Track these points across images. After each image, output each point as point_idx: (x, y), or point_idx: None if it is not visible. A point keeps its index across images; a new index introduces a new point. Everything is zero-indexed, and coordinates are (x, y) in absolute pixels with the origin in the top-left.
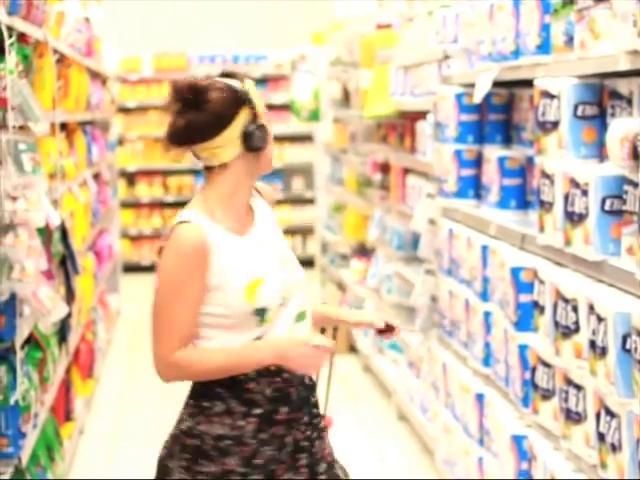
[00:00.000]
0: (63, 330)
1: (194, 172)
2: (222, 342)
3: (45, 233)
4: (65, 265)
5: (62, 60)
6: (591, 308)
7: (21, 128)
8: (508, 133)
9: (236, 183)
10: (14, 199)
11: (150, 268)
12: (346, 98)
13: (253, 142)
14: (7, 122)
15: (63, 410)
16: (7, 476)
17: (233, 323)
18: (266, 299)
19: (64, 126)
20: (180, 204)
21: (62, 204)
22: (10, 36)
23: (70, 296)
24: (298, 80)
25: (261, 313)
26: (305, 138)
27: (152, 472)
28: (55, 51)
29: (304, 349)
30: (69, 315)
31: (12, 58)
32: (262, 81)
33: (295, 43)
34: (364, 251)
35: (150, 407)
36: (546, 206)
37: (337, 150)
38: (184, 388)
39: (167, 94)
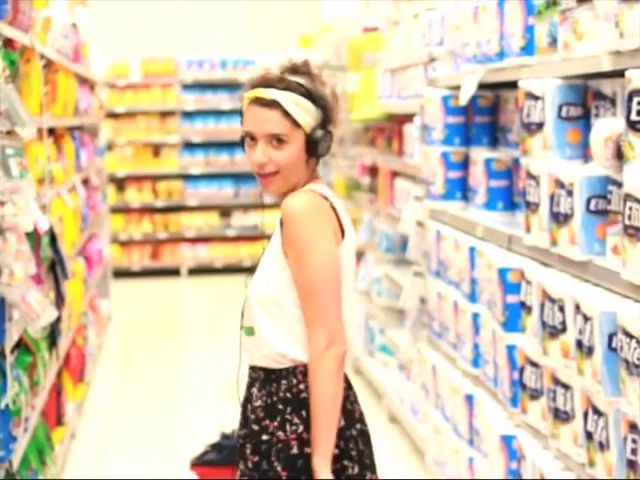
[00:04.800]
0: (53, 334)
1: (183, 177)
2: None
3: (34, 238)
4: (54, 270)
5: (49, 65)
6: (577, 308)
7: (8, 133)
8: (494, 135)
9: None
10: (2, 204)
11: (140, 274)
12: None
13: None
14: None
15: (54, 414)
16: None
17: None
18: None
19: (52, 131)
20: (170, 209)
21: (51, 209)
22: None
23: (60, 301)
24: None
25: None
26: None
27: (142, 476)
28: (42, 56)
29: None
30: (59, 319)
31: None
32: None
33: (283, 47)
34: None
35: (141, 411)
36: (532, 207)
37: None
38: (175, 391)
39: None
